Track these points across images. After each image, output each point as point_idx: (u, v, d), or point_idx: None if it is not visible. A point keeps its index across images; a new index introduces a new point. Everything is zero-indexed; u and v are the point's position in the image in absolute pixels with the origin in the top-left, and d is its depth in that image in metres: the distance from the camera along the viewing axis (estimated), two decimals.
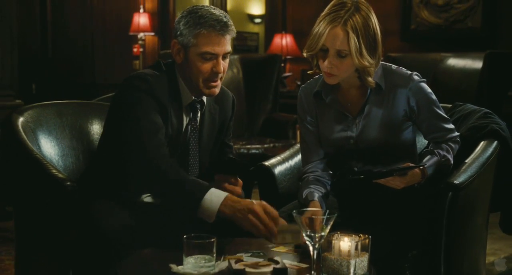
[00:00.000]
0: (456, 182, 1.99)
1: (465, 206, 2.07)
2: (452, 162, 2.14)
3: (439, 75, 4.82)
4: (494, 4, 5.59)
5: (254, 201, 1.86)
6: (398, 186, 2.01)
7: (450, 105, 2.53)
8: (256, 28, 9.07)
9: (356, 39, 1.98)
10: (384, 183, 2.02)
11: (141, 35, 7.18)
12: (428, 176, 2.07)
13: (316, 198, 2.11)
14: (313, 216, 1.61)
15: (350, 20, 1.99)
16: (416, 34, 6.10)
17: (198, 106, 2.17)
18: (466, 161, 2.12)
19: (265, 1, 8.08)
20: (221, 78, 2.11)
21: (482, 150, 2.18)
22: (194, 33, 2.05)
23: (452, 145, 2.16)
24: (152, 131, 1.99)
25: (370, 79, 2.07)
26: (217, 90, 2.13)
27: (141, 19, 7.09)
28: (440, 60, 4.92)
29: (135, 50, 7.34)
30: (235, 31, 2.11)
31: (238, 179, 2.07)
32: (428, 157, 2.11)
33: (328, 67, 2.05)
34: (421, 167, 2.05)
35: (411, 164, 2.04)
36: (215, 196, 1.86)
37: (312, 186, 2.17)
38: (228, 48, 2.09)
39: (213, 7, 2.12)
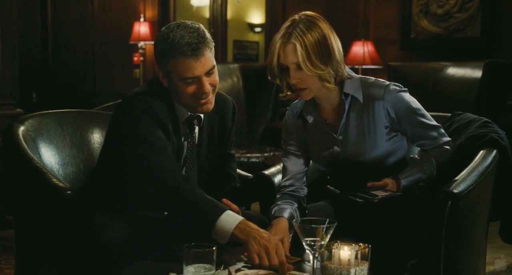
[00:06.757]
0: (455, 191, 1.99)
1: (465, 215, 2.07)
2: (434, 172, 2.15)
3: (438, 84, 4.82)
4: (493, 13, 5.60)
5: (271, 237, 1.83)
6: (374, 200, 2.02)
7: (449, 114, 2.54)
8: (256, 37, 9.10)
9: (302, 49, 1.99)
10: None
11: (141, 44, 7.19)
12: (404, 187, 2.09)
13: (283, 215, 2.10)
14: (314, 225, 1.62)
15: (295, 33, 2.01)
16: (416, 43, 6.11)
17: (195, 121, 2.14)
18: (466, 170, 2.12)
19: (265, 10, 8.10)
20: (213, 92, 2.06)
21: (482, 159, 2.19)
22: (169, 63, 1.98)
23: (438, 155, 2.16)
24: (161, 147, 1.95)
25: (328, 85, 2.07)
26: (210, 106, 2.07)
27: (142, 28, 7.10)
28: (440, 69, 4.92)
29: (135, 59, 7.35)
30: (212, 41, 2.02)
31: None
32: (410, 166, 2.13)
33: (295, 83, 2.07)
34: (396, 179, 2.08)
35: (387, 180, 2.06)
36: (231, 218, 1.84)
37: (280, 202, 2.17)
38: (210, 64, 2.00)
39: (187, 23, 2.01)
